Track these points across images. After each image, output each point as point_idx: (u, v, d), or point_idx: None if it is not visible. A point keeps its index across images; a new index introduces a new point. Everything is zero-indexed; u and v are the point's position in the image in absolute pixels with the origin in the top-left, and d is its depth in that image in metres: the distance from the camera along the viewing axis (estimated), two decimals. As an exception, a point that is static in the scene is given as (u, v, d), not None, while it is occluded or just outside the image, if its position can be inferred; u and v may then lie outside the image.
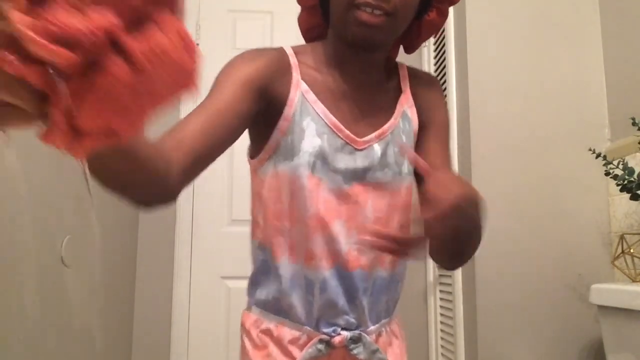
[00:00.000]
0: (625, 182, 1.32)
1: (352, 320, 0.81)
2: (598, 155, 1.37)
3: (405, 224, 0.86)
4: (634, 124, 1.28)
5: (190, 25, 2.40)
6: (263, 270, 0.85)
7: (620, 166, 1.35)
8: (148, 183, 0.58)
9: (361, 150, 0.82)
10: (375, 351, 0.82)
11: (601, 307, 1.27)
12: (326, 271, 0.80)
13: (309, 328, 0.81)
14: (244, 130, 0.77)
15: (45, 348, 1.49)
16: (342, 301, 0.80)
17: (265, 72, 0.78)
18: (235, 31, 2.44)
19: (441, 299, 2.01)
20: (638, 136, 1.31)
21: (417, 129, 0.88)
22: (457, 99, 1.76)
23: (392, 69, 0.91)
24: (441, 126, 0.90)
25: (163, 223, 2.27)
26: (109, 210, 1.95)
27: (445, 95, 1.86)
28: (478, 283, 1.54)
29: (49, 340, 1.51)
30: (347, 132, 0.81)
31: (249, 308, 0.89)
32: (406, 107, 0.88)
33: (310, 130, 0.79)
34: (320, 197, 0.79)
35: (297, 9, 0.90)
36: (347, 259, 0.80)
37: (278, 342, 0.82)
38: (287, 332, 0.82)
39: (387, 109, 0.87)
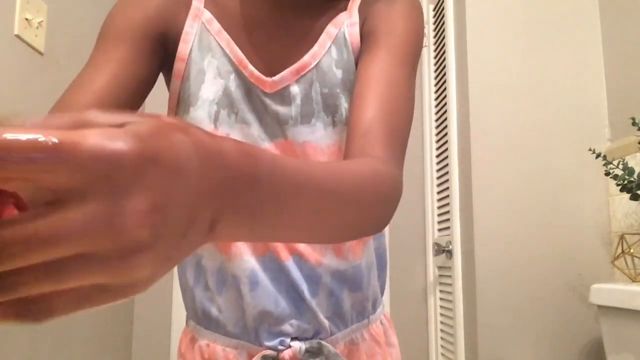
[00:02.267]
0: (625, 182, 1.32)
1: (305, 325, 0.61)
2: (598, 155, 1.37)
3: None
4: (634, 124, 1.28)
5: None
6: (191, 266, 0.66)
7: (620, 166, 1.35)
8: None
9: (272, 93, 0.61)
10: None
11: (601, 307, 1.27)
12: (252, 261, 0.61)
13: (246, 342, 0.62)
14: (148, 92, 0.61)
15: (45, 348, 1.49)
16: (281, 303, 0.61)
17: (159, 10, 0.60)
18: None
19: (441, 299, 2.01)
20: (638, 136, 1.31)
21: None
22: (457, 99, 1.76)
23: None
24: (385, 34, 0.60)
25: (163, 223, 2.27)
26: (109, 210, 1.95)
27: (446, 95, 1.86)
28: (478, 283, 1.54)
29: (49, 340, 1.51)
30: (252, 69, 0.61)
31: (186, 322, 0.71)
32: (344, 28, 0.63)
33: (212, 71, 0.61)
34: None
35: None
36: (276, 245, 0.61)
37: None
38: (220, 352, 0.62)
39: (315, 35, 0.63)
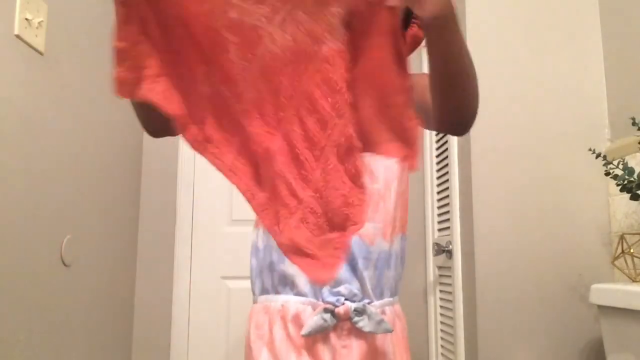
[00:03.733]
0: (625, 182, 1.32)
1: (355, 291, 0.82)
2: (598, 155, 1.37)
3: (402, 195, 0.88)
4: (634, 124, 1.28)
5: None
6: (263, 250, 0.86)
7: (620, 166, 1.35)
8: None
9: None
10: (380, 322, 0.81)
11: (601, 307, 1.27)
12: None
13: (312, 299, 0.82)
14: None
15: (45, 348, 1.49)
16: (343, 269, 0.81)
17: None
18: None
19: (441, 299, 2.01)
20: (638, 136, 1.31)
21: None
22: (457, 99, 1.75)
23: None
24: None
25: (163, 223, 2.27)
26: (109, 210, 1.95)
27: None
28: (478, 283, 1.54)
29: (49, 340, 1.51)
30: None
31: (255, 300, 0.89)
32: None
33: None
34: None
35: None
36: None
37: (283, 322, 0.82)
38: (292, 307, 0.82)
39: None
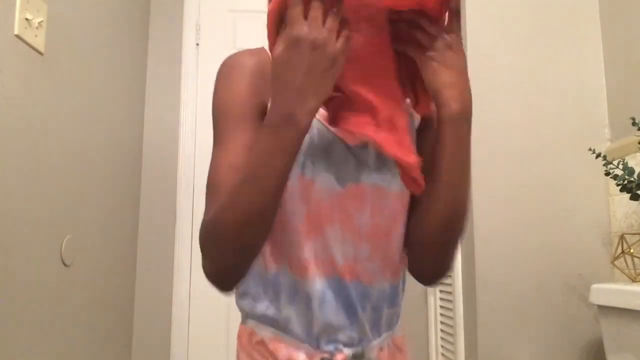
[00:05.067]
0: (625, 182, 1.32)
1: (354, 335, 0.75)
2: (598, 155, 1.37)
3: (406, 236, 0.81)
4: (634, 124, 1.28)
5: (190, 25, 2.40)
6: (256, 281, 0.79)
7: (620, 166, 1.35)
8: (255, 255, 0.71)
9: (354, 146, 0.74)
10: None
11: (601, 307, 1.27)
12: (322, 283, 0.74)
13: (308, 346, 0.75)
14: None
15: (45, 348, 1.49)
16: (342, 317, 0.74)
17: (264, 87, 0.72)
18: (235, 31, 2.44)
19: (441, 299, 2.01)
20: (638, 136, 1.32)
21: (418, 125, 0.80)
22: (457, 99, 1.76)
23: None
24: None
25: (163, 223, 2.27)
26: (109, 210, 1.95)
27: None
28: (478, 283, 1.54)
29: (49, 340, 1.51)
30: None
31: (244, 321, 0.83)
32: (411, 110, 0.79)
33: None
34: (312, 200, 0.72)
35: None
36: (343, 270, 0.74)
37: (273, 357, 0.76)
38: (284, 349, 0.75)
39: None
